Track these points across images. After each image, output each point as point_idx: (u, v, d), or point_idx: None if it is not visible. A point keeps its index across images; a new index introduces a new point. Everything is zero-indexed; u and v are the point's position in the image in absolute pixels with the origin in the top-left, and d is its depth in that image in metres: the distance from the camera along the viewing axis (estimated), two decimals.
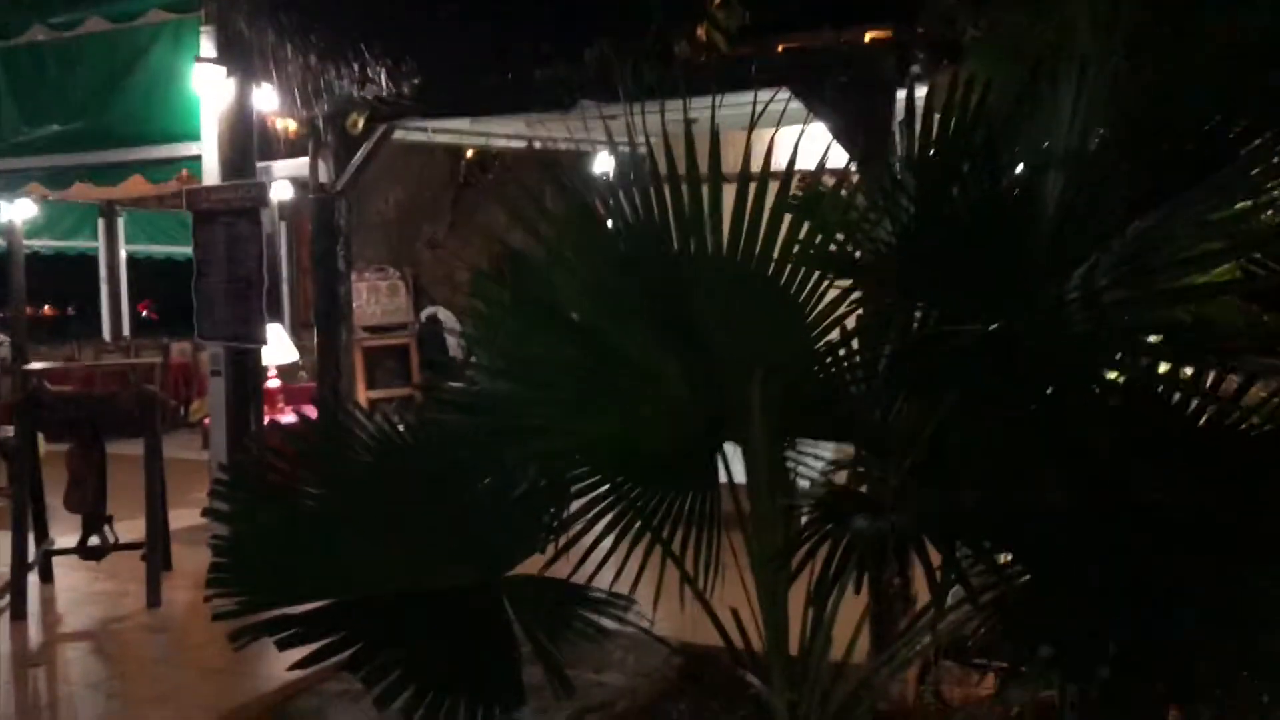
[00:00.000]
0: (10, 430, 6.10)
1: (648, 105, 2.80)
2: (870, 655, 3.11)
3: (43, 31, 6.54)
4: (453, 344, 8.16)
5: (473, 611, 2.45)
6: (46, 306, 26.86)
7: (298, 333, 9.13)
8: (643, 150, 2.84)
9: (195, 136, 6.24)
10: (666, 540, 2.67)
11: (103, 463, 6.09)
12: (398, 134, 6.11)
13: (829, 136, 4.01)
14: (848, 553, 2.38)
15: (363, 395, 7.88)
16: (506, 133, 7.45)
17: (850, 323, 2.64)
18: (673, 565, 2.62)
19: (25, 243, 16.84)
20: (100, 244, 18.08)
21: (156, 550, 5.93)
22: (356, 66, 5.69)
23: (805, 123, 4.37)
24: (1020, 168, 2.49)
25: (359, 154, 5.86)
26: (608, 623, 2.42)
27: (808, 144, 2.67)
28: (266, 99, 6.09)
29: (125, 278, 18.44)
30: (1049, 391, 2.33)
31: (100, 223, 18.01)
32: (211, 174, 6.17)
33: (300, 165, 6.14)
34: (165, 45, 6.27)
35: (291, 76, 5.82)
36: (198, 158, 6.25)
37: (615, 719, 4.06)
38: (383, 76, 5.63)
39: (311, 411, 6.95)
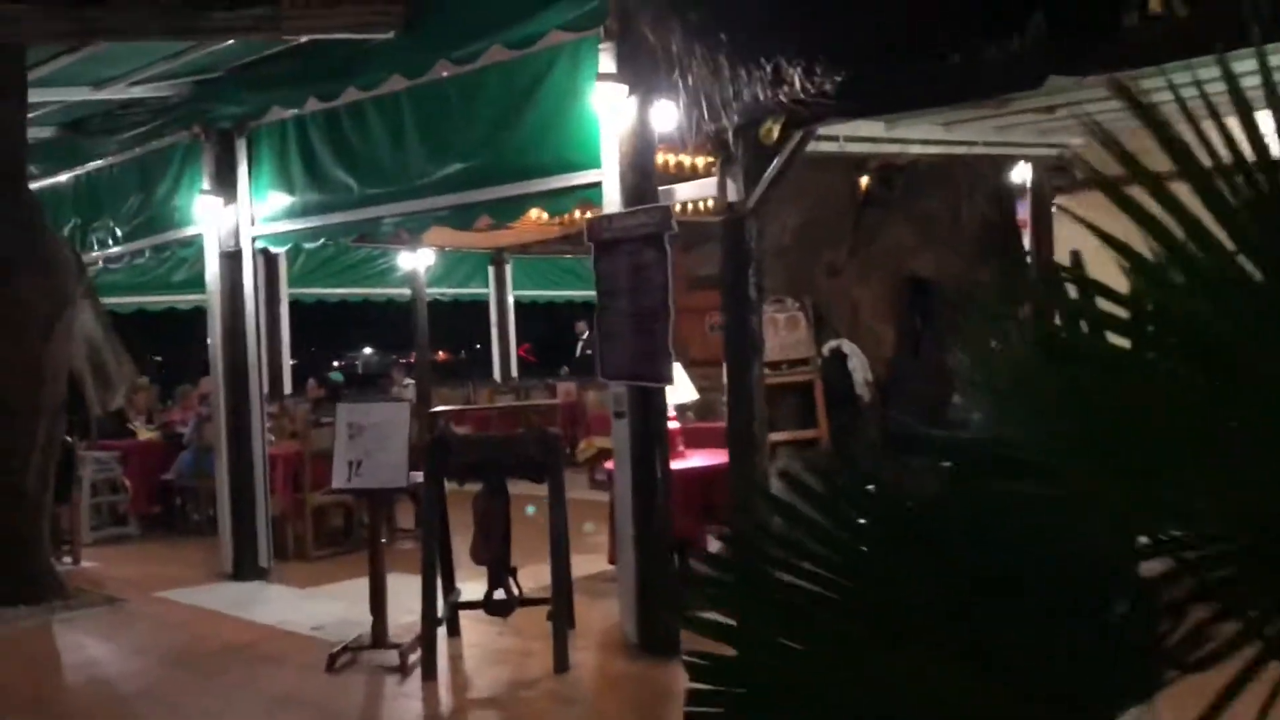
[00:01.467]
0: (418, 475, 5.93)
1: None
2: None
3: (446, 67, 6.43)
4: (859, 380, 7.34)
5: None
6: (440, 351, 28.79)
7: None
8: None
9: (594, 164, 5.84)
10: None
11: (508, 509, 5.78)
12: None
13: None
14: None
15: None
16: (922, 137, 6.59)
17: None
18: None
19: (426, 291, 17.76)
20: (491, 290, 18.92)
21: (563, 609, 5.50)
22: (769, 68, 5.05)
23: None
24: None
25: (771, 166, 5.21)
26: None
27: None
28: (666, 118, 5.58)
29: (513, 322, 19.18)
30: None
31: (490, 270, 18.87)
32: (612, 201, 5.74)
33: (703, 187, 5.58)
34: (563, 68, 5.94)
35: (698, 85, 5.27)
36: (596, 185, 5.84)
37: None
38: (797, 76, 4.95)
39: (719, 456, 6.36)
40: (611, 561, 6.88)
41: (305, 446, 8.75)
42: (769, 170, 5.20)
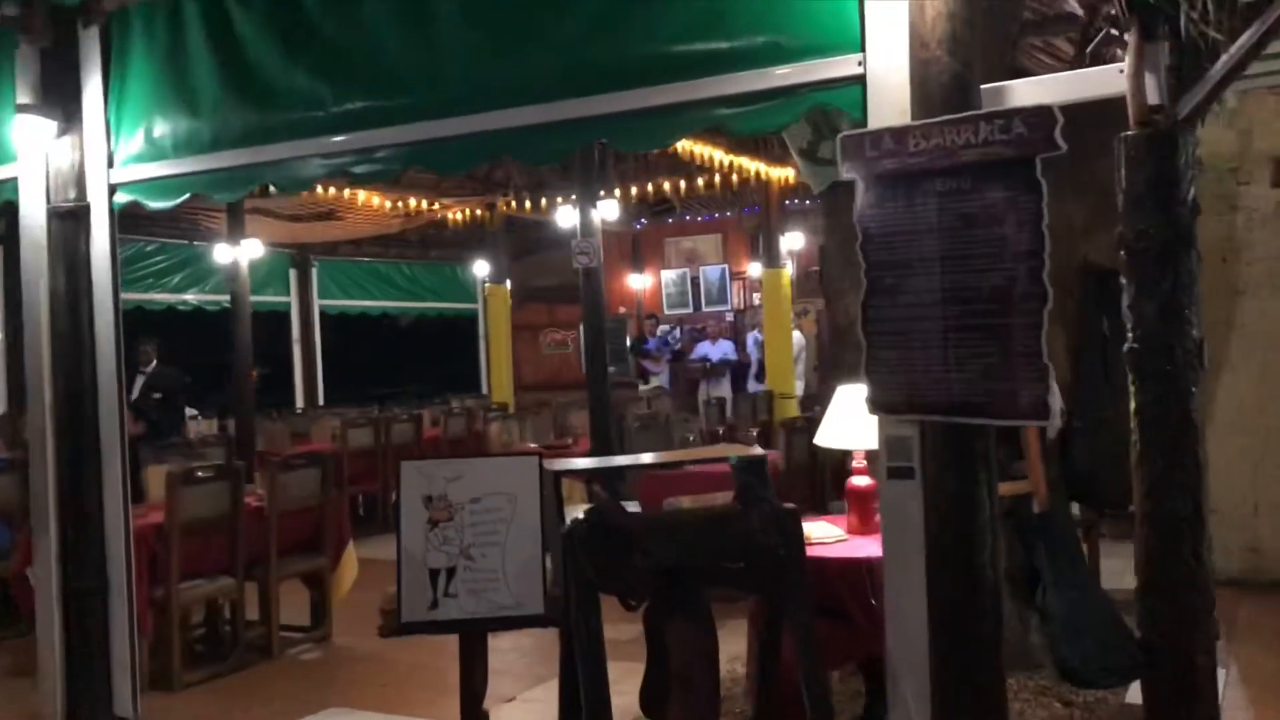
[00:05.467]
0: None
1: None
2: None
3: None
4: (1052, 408, 5.21)
5: None
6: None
7: None
8: None
9: (845, 45, 3.47)
10: None
11: (716, 645, 3.26)
12: None
13: None
14: None
15: None
16: None
17: None
18: None
19: (211, 297, 14.62)
20: (293, 298, 15.78)
21: None
22: None
23: None
24: None
25: (1236, 46, 3.02)
26: None
27: None
28: None
29: (319, 336, 16.15)
30: None
31: (293, 274, 15.71)
32: (891, 108, 3.37)
33: (1094, 81, 3.34)
34: None
35: None
36: (853, 81, 3.46)
37: None
38: None
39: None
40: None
41: (170, 515, 5.73)
42: (1230, 52, 3.01)
